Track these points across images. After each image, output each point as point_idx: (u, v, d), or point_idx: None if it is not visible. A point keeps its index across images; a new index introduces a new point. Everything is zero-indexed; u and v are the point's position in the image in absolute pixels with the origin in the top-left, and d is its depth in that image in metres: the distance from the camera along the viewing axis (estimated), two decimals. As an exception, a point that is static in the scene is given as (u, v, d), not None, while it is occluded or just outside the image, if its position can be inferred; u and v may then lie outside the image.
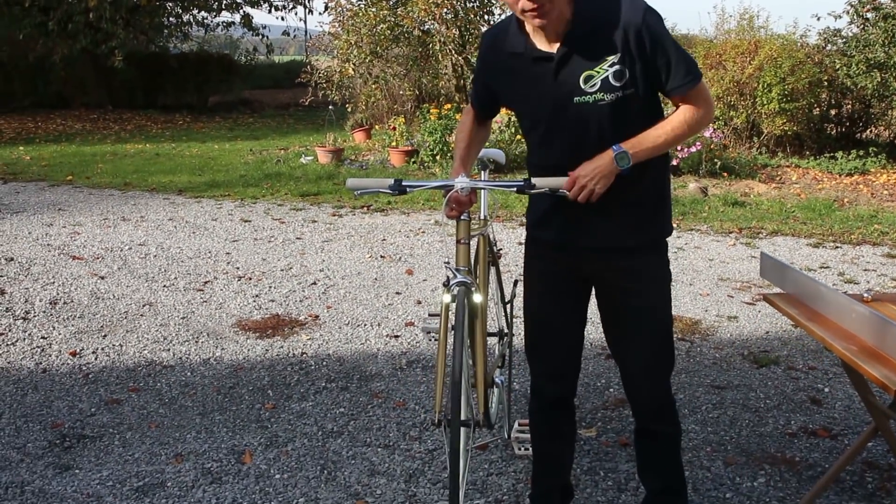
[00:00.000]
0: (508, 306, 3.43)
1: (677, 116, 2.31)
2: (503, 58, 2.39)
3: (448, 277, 2.49)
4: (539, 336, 2.64)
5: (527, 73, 2.34)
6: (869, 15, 11.66)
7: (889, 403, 2.74)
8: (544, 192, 2.35)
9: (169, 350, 4.43)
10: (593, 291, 2.58)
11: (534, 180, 2.34)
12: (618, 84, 2.24)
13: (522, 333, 2.75)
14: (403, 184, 2.48)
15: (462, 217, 2.48)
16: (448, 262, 2.52)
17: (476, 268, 2.88)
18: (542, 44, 2.29)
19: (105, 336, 4.60)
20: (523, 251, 2.69)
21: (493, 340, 3.36)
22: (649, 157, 2.29)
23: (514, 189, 2.39)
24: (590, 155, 2.28)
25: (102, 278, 5.69)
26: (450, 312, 2.45)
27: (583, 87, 2.25)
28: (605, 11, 2.23)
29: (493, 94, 2.54)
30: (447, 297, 2.44)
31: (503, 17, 13.12)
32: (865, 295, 2.68)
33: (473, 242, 2.65)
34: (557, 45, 2.26)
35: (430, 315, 2.64)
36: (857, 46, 11.54)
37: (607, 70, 2.23)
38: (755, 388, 4.07)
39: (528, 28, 2.30)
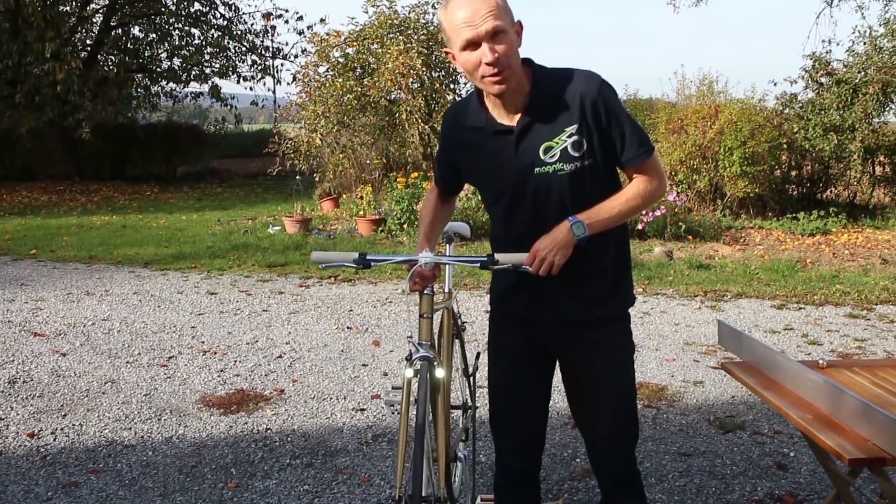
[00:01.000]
0: (472, 378, 3.41)
1: (631, 188, 2.35)
2: (464, 133, 2.44)
3: (411, 352, 2.48)
4: (503, 410, 2.63)
5: (488, 146, 2.38)
6: (823, 80, 11.99)
7: (849, 470, 2.75)
8: (507, 268, 2.37)
9: (130, 429, 4.35)
10: (557, 364, 2.58)
11: (497, 256, 2.35)
12: (576, 154, 2.28)
13: (487, 406, 2.74)
14: (368, 257, 2.47)
15: (425, 291, 2.48)
16: (411, 337, 2.51)
17: (440, 341, 2.88)
18: (501, 117, 2.34)
19: (65, 415, 4.52)
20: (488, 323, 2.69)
21: (457, 413, 3.35)
22: (605, 228, 2.32)
23: (478, 265, 2.40)
24: (553, 225, 2.31)
25: (64, 355, 5.62)
26: (412, 387, 2.43)
27: (543, 157, 2.29)
28: (563, 84, 2.29)
29: (456, 169, 2.56)
30: (409, 372, 2.43)
31: (468, 86, 13.41)
32: (821, 362, 2.71)
33: (438, 315, 2.66)
34: (517, 117, 2.31)
35: (392, 388, 2.63)
36: (813, 110, 11.85)
37: (566, 141, 2.28)
38: (721, 455, 4.07)
39: (488, 102, 2.36)
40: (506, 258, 2.34)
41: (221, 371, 5.30)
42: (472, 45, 2.20)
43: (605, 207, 2.31)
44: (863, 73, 11.48)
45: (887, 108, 11.55)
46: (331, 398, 4.82)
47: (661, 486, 3.70)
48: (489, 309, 2.69)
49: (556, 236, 2.27)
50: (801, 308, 7.24)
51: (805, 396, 2.41)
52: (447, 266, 3.20)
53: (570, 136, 2.27)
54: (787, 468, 3.92)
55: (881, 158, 14.21)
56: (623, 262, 2.51)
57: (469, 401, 3.38)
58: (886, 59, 11.35)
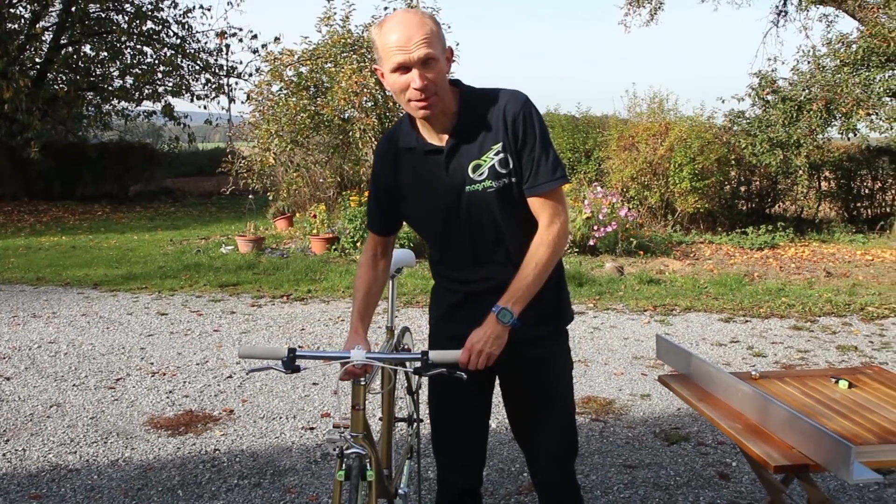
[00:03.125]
0: (416, 395, 3.44)
1: (534, 246, 2.35)
2: (396, 154, 2.45)
3: (341, 448, 2.34)
4: (444, 430, 2.65)
5: (420, 167, 2.40)
6: (769, 97, 12.25)
7: (781, 478, 2.82)
8: (450, 289, 2.37)
9: (76, 453, 4.30)
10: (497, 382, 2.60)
11: (430, 354, 2.29)
12: (503, 171, 2.32)
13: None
14: (297, 353, 2.29)
15: (357, 382, 2.38)
16: (342, 431, 2.37)
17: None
18: (431, 138, 2.37)
19: (7, 441, 4.46)
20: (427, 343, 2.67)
21: (403, 427, 3.37)
22: (531, 296, 2.32)
23: (412, 370, 2.31)
24: (488, 241, 2.37)
25: (8, 379, 5.53)
26: (342, 492, 2.31)
27: (472, 175, 2.32)
28: (489, 103, 2.33)
29: (392, 197, 2.51)
30: (340, 475, 2.30)
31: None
32: (753, 373, 2.78)
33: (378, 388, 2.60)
34: (446, 137, 2.34)
35: (333, 426, 2.54)
36: (759, 127, 12.09)
37: (493, 158, 2.31)
38: (666, 466, 4.14)
39: (419, 124, 2.38)
40: (441, 356, 2.28)
41: (170, 392, 5.26)
42: (403, 68, 2.23)
43: (521, 283, 2.31)
44: (807, 90, 11.75)
45: (831, 125, 11.82)
46: (280, 417, 4.81)
47: (606, 498, 3.75)
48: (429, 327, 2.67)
49: (487, 330, 2.29)
50: (747, 321, 7.37)
51: (736, 407, 2.47)
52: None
53: (496, 154, 2.32)
54: (729, 478, 3.99)
55: (826, 174, 14.58)
56: (558, 281, 2.53)
57: (415, 414, 3.40)
58: (829, 78, 11.63)
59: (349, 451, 2.33)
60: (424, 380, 3.01)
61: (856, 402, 2.61)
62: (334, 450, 2.34)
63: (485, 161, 2.32)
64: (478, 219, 2.37)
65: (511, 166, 2.32)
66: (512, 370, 2.52)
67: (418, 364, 2.27)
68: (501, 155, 2.32)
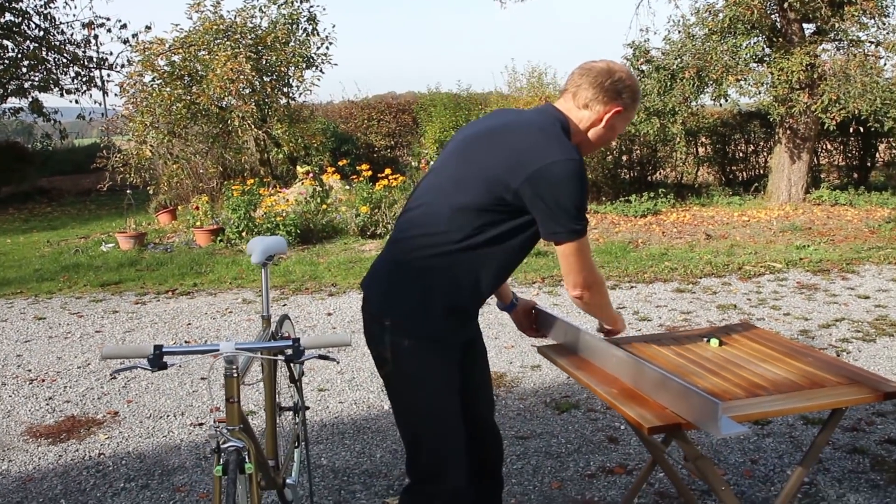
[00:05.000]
0: (299, 383, 3.39)
1: None
2: None
3: (218, 442, 2.30)
4: (457, 432, 2.44)
5: None
6: (643, 67, 12.55)
7: (662, 438, 2.90)
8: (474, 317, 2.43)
9: (-52, 469, 4.09)
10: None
11: (303, 340, 2.25)
12: None
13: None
14: (164, 350, 2.20)
15: (230, 374, 2.34)
16: (218, 425, 2.33)
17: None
18: None
19: None
20: (419, 362, 2.39)
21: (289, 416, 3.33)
22: None
23: (283, 358, 2.27)
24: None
25: None
26: (222, 486, 2.26)
27: None
28: None
29: None
30: (218, 470, 2.25)
31: (299, 89, 13.26)
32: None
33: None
34: None
35: (217, 420, 2.42)
36: (635, 96, 12.35)
37: None
38: (557, 434, 4.21)
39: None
40: (314, 342, 2.26)
41: (50, 399, 5.05)
42: (618, 133, 2.48)
43: None
44: (679, 59, 12.08)
45: (703, 92, 12.19)
46: (168, 415, 4.68)
47: (499, 470, 3.79)
48: (428, 339, 2.38)
49: None
50: (632, 287, 7.56)
51: (612, 372, 2.53)
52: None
53: None
54: (618, 441, 4.10)
55: (703, 140, 15.07)
56: None
57: (300, 402, 3.36)
58: (699, 46, 11.98)
59: (226, 445, 2.29)
60: (318, 366, 2.97)
61: (726, 359, 2.70)
62: (221, 437, 2.30)
63: None
64: None
65: None
66: (475, 347, 2.66)
67: (290, 352, 2.23)
68: None
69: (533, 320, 2.90)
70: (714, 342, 2.85)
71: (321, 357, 2.28)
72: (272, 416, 2.99)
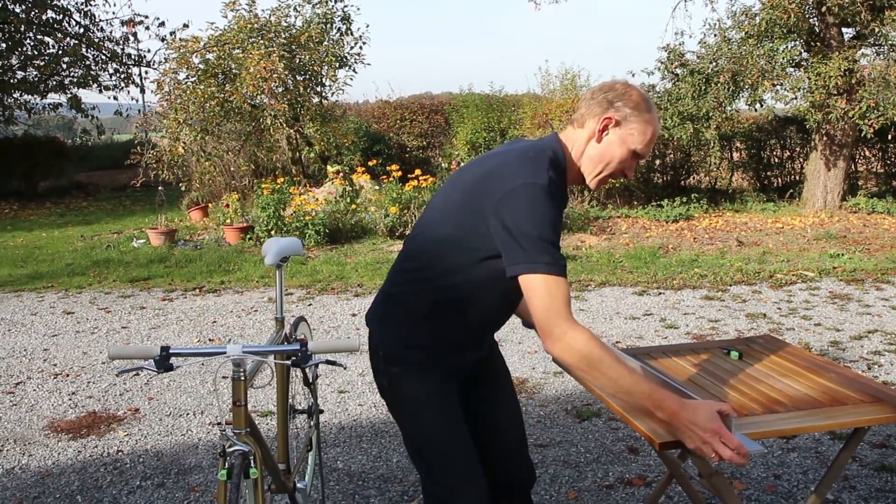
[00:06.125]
0: (314, 385, 3.37)
1: None
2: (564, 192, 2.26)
3: (224, 446, 2.27)
4: (469, 456, 2.32)
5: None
6: (678, 71, 12.41)
7: (678, 453, 2.84)
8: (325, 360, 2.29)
9: (-31, 462, 4.12)
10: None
11: (310, 345, 2.21)
12: None
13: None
14: (171, 351, 2.19)
15: (237, 377, 2.31)
16: (223, 427, 2.31)
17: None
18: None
19: None
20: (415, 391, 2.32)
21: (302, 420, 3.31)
22: None
23: (290, 362, 2.23)
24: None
25: None
26: (226, 491, 2.21)
27: None
28: None
29: None
30: (222, 474, 2.20)
31: (332, 89, 13.29)
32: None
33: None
34: None
35: (225, 422, 2.35)
36: (669, 100, 12.25)
37: None
38: (576, 443, 4.15)
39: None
40: (321, 346, 2.21)
41: (73, 394, 5.09)
42: (637, 155, 2.21)
43: None
44: (714, 63, 11.94)
45: (738, 97, 12.03)
46: (187, 414, 4.69)
47: (515, 478, 3.74)
48: (417, 366, 2.31)
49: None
50: (660, 293, 7.47)
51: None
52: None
53: None
54: (638, 451, 4.03)
55: (738, 144, 14.89)
56: None
57: (314, 405, 3.34)
58: (735, 50, 11.82)
59: (232, 449, 2.26)
60: (329, 370, 2.95)
61: (746, 372, 2.63)
62: (227, 442, 2.28)
63: None
64: None
65: None
66: (490, 369, 2.55)
67: (296, 356, 2.20)
68: None
69: None
70: (734, 355, 2.78)
71: (328, 362, 2.25)
72: (284, 419, 2.97)
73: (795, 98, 11.98)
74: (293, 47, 12.35)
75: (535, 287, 1.99)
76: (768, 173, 15.14)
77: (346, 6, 13.25)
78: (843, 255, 9.08)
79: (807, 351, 2.91)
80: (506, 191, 2.05)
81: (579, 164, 2.24)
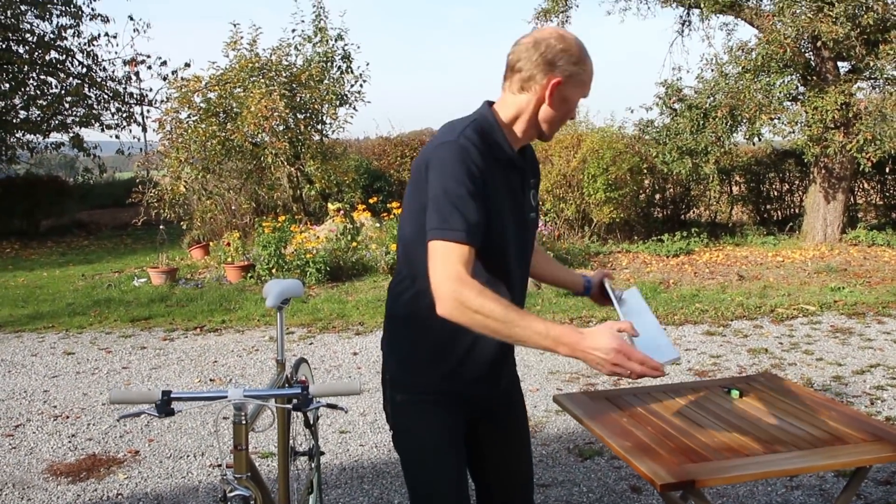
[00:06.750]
0: (314, 426, 3.36)
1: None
2: (491, 163, 2.09)
3: (224, 490, 2.27)
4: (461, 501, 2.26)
5: (505, 180, 2.15)
6: (676, 106, 12.50)
7: (681, 493, 2.82)
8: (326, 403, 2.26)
9: (-32, 507, 4.10)
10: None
11: (311, 388, 2.20)
12: (534, 204, 2.30)
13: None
14: (173, 396, 2.19)
15: (238, 421, 2.31)
16: (224, 471, 2.31)
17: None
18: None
19: None
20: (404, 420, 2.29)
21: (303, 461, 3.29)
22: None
23: (290, 406, 2.22)
24: (521, 268, 2.28)
25: None
26: None
27: (532, 203, 2.27)
28: None
29: (487, 211, 2.10)
30: None
31: (332, 126, 13.41)
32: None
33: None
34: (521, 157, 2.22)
35: (227, 465, 2.36)
36: (668, 135, 12.32)
37: (531, 188, 2.29)
38: (579, 483, 4.13)
39: (508, 136, 2.16)
40: (322, 390, 2.21)
41: (73, 436, 5.07)
42: (577, 102, 2.16)
43: None
44: (712, 97, 12.02)
45: (736, 131, 12.10)
46: (188, 456, 4.67)
47: (517, 519, 3.71)
48: (420, 396, 2.26)
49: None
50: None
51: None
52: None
53: (532, 188, 2.30)
54: (640, 491, 4.00)
55: (737, 178, 14.95)
56: None
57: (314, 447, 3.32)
58: (732, 85, 11.91)
59: (233, 494, 2.26)
60: (330, 413, 2.94)
61: (746, 411, 2.63)
62: (227, 486, 2.27)
63: (533, 192, 2.30)
64: (526, 251, 2.28)
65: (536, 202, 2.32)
66: (505, 414, 2.44)
67: (297, 400, 2.20)
68: (533, 190, 2.30)
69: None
70: (735, 393, 2.78)
71: (329, 406, 2.24)
72: (284, 463, 2.96)
73: (793, 132, 12.05)
74: (294, 86, 12.45)
75: (433, 253, 1.97)
76: (768, 206, 15.18)
77: (346, 45, 13.38)
78: (843, 288, 9.08)
79: (807, 389, 2.90)
80: (428, 158, 2.05)
81: (525, 126, 2.14)
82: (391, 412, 2.28)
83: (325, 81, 12.86)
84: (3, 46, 18.21)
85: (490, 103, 2.20)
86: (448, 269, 1.94)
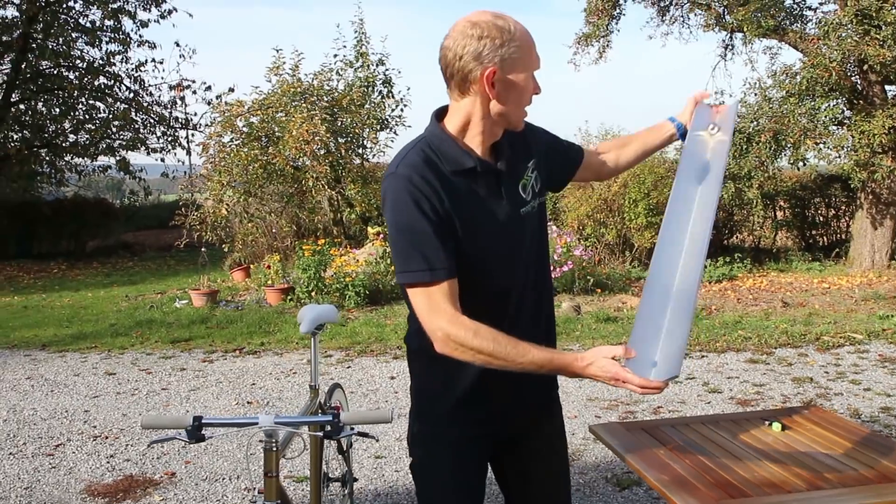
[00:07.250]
0: (347, 453, 3.34)
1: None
2: (443, 180, 1.99)
3: None
4: None
5: (476, 191, 2.04)
6: (718, 131, 12.35)
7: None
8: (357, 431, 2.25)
9: (6, 527, 4.13)
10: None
11: (342, 416, 2.18)
12: (538, 189, 2.16)
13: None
14: (204, 421, 2.19)
15: (269, 448, 2.30)
16: (254, 497, 2.31)
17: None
18: (485, 156, 2.08)
19: (-65, 517, 4.28)
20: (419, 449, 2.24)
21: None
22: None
23: (321, 434, 2.23)
24: (526, 270, 2.13)
25: (-57, 451, 5.34)
26: None
27: (523, 196, 2.11)
28: None
29: (455, 236, 2.00)
30: None
31: (373, 150, 13.49)
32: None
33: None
34: (490, 157, 2.08)
35: (258, 491, 2.36)
36: (710, 160, 12.16)
37: (531, 175, 2.15)
38: (616, 513, 4.05)
39: (466, 144, 2.05)
40: (354, 418, 2.19)
41: (111, 457, 5.10)
42: (529, 77, 2.02)
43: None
44: (755, 122, 11.88)
45: (780, 156, 11.93)
46: (224, 478, 4.67)
47: (553, 550, 3.64)
48: (433, 428, 2.20)
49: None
50: (703, 356, 7.34)
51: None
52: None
53: (532, 171, 2.15)
54: (680, 523, 3.91)
55: (781, 203, 14.73)
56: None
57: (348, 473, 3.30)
58: (776, 109, 11.77)
59: None
60: (374, 432, 2.92)
61: (789, 445, 2.56)
62: None
63: (527, 179, 2.14)
64: (528, 243, 2.13)
65: (542, 183, 2.19)
66: (534, 444, 2.30)
67: (329, 427, 2.18)
68: (536, 172, 2.16)
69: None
70: (776, 426, 2.70)
71: (360, 434, 2.22)
72: (317, 489, 2.94)
73: (839, 156, 11.85)
74: (335, 110, 12.56)
75: (411, 297, 1.98)
76: (813, 232, 14.93)
77: (387, 69, 13.48)
78: (892, 316, 8.87)
79: (853, 422, 2.82)
80: (382, 192, 2.03)
81: (481, 127, 2.03)
82: (409, 440, 2.25)
83: (366, 106, 12.97)
84: (55, 72, 18.63)
85: (440, 113, 2.10)
86: (432, 309, 1.93)
